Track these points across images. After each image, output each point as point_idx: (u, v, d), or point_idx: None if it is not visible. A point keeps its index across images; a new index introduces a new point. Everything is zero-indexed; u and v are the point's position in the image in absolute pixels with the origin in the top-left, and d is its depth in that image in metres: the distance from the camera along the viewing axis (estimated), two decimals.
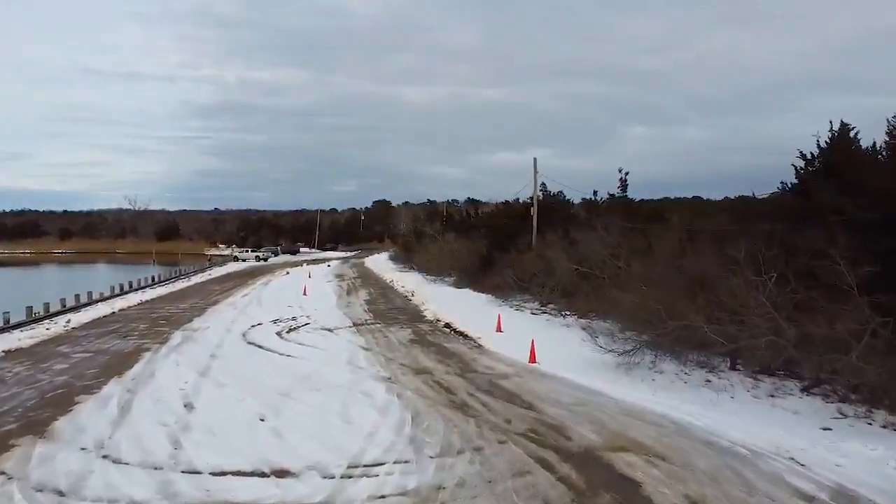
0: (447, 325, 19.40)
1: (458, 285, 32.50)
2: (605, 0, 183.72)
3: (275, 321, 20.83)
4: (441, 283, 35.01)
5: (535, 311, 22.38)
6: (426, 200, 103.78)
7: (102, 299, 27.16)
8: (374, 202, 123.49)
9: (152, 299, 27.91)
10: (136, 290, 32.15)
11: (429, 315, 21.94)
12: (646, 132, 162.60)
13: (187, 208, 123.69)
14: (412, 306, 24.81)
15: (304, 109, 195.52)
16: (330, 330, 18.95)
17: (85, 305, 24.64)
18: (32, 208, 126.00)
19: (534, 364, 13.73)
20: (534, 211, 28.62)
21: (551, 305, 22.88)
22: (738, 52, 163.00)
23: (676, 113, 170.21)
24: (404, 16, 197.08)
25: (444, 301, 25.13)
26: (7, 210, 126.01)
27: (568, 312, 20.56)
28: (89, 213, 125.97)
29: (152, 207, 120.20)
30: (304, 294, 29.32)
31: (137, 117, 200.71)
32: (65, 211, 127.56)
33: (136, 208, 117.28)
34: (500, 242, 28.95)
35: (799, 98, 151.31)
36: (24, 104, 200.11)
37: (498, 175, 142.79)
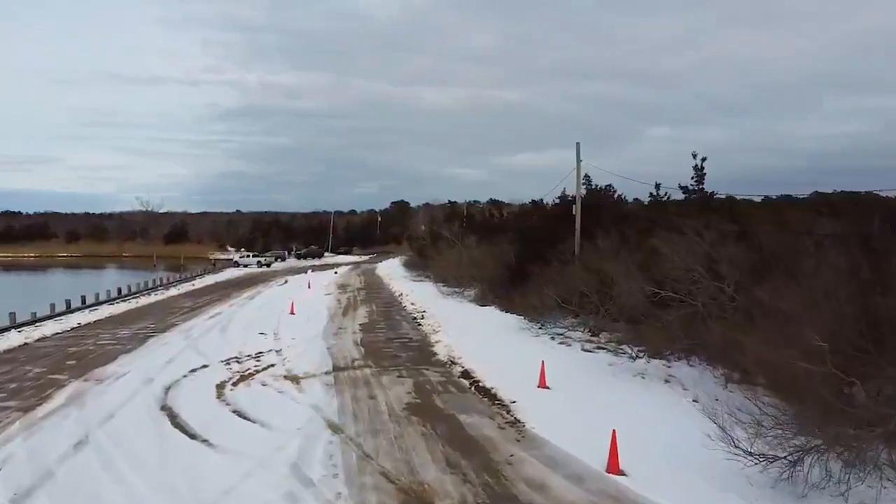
0: (465, 374, 13.38)
1: (480, 302, 26.42)
2: (622, 2, 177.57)
3: (229, 361, 15.09)
4: (460, 297, 28.89)
5: (586, 346, 16.32)
6: (447, 202, 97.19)
7: (32, 322, 21.51)
8: (391, 203, 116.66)
9: (95, 322, 22.15)
10: (88, 307, 26.42)
11: (441, 352, 15.94)
12: (666, 133, 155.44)
13: (209, 210, 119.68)
14: (420, 336, 18.81)
15: (324, 112, 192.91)
16: (297, 380, 13.08)
17: None
18: (57, 211, 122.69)
19: (617, 476, 7.70)
20: (576, 209, 22.46)
21: (605, 333, 16.88)
22: (756, 53, 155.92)
23: (695, 114, 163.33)
24: (422, 18, 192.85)
25: (462, 327, 19.14)
26: (31, 212, 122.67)
27: (637, 351, 14.45)
28: (111, 216, 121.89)
29: (175, 210, 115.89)
30: (292, 313, 23.60)
31: (162, 121, 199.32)
32: (87, 213, 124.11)
33: (149, 210, 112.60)
34: (534, 249, 22.81)
35: (820, 98, 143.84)
36: (50, 108, 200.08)
37: (518, 176, 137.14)
